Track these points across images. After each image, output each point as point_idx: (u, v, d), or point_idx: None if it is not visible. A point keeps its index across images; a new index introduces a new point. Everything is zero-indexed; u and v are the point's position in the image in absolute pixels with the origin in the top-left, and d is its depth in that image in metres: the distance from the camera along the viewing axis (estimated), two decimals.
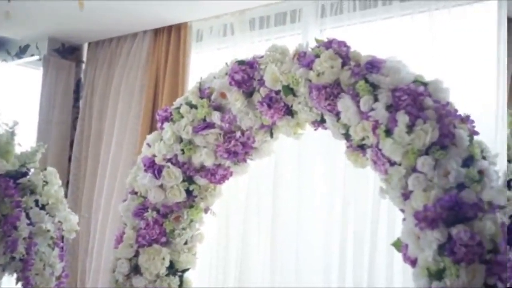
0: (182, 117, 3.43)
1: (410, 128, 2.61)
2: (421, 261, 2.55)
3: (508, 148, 1.75)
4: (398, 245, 2.74)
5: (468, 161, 2.59)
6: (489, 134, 2.90)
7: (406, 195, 2.66)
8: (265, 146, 3.44)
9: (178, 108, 3.49)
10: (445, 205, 2.48)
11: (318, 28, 4.07)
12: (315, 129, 3.20)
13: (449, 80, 2.88)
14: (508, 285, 1.66)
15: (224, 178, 3.54)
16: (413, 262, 2.63)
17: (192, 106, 3.42)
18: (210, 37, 4.70)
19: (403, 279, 3.20)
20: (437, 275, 2.46)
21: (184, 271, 3.59)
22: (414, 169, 2.61)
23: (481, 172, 2.57)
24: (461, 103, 2.81)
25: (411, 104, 2.67)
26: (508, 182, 1.86)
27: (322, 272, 3.55)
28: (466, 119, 2.72)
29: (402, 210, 2.74)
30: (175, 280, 3.52)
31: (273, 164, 3.80)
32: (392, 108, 2.70)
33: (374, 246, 3.33)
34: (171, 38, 4.87)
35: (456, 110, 2.72)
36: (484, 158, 2.66)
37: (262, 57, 3.27)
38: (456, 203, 2.49)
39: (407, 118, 2.61)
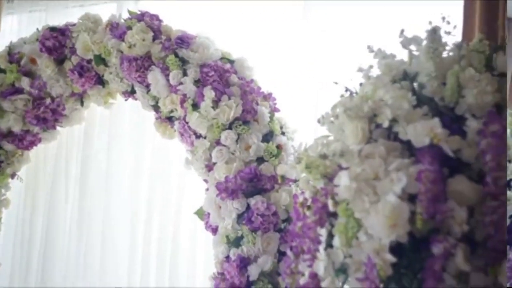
0: None
1: (216, 103, 2.75)
2: (221, 229, 2.72)
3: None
4: (200, 213, 2.88)
5: (268, 136, 2.79)
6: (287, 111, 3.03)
7: (209, 167, 2.81)
8: (75, 114, 3.45)
9: None
10: (245, 177, 2.65)
11: None
12: (126, 99, 3.24)
13: (253, 59, 3.02)
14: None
15: (32, 144, 3.51)
16: (214, 230, 2.80)
17: (1, 70, 3.35)
18: None
19: (206, 247, 3.29)
20: (235, 242, 2.65)
21: None
22: (218, 142, 2.77)
23: (279, 147, 2.77)
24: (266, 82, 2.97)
25: (217, 80, 2.81)
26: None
27: (128, 237, 3.58)
28: (268, 97, 2.90)
29: (206, 181, 2.87)
30: None
31: (83, 131, 3.77)
32: (199, 83, 2.83)
33: (178, 216, 3.40)
34: None
35: (259, 88, 2.89)
36: (283, 133, 2.86)
37: (74, 25, 3.26)
38: (255, 175, 2.67)
39: (213, 94, 2.74)
